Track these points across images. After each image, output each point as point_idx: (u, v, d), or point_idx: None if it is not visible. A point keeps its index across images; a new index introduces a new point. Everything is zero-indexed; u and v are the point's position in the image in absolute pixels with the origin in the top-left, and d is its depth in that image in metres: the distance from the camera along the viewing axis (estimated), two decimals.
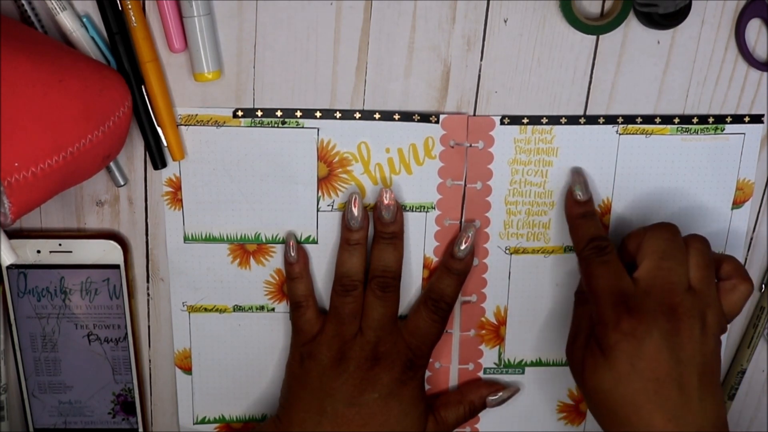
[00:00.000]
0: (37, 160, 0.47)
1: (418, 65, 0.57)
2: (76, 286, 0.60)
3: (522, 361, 0.65)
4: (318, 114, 0.58)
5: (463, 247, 0.60)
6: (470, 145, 0.59)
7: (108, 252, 0.60)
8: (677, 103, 0.60)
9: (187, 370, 0.64)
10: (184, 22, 0.54)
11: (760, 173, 0.62)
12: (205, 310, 0.62)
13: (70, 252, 0.59)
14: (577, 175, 0.59)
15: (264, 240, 0.61)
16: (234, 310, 0.62)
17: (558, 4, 0.57)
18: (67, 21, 0.53)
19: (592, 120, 0.60)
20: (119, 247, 0.59)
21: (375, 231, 0.60)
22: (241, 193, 0.59)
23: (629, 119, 0.60)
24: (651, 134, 0.60)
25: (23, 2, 0.53)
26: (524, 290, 0.63)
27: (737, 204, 0.63)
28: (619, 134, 0.60)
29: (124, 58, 0.54)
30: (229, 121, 0.58)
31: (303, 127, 0.58)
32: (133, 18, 0.54)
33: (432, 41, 0.57)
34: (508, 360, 0.65)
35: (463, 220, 0.61)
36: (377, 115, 0.58)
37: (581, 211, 0.59)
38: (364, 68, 0.57)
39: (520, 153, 0.60)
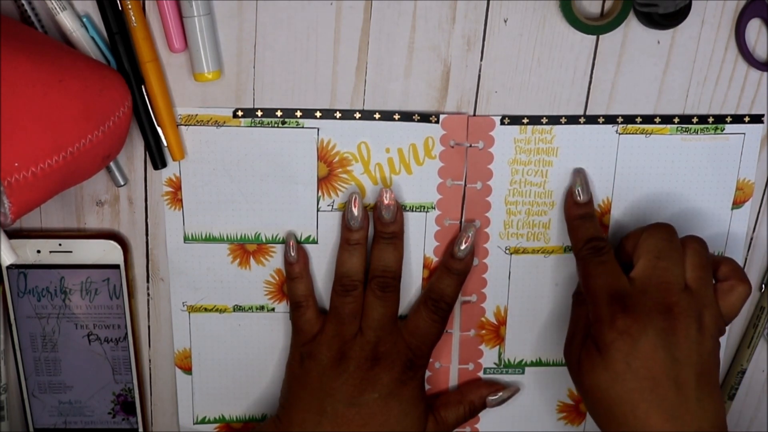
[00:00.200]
0: (37, 160, 0.47)
1: (418, 65, 0.57)
2: (76, 286, 0.60)
3: (522, 361, 0.65)
4: (318, 114, 0.58)
5: (463, 247, 0.60)
6: (470, 145, 0.59)
7: (108, 252, 0.60)
8: (677, 103, 0.60)
9: (187, 370, 0.64)
10: (184, 22, 0.54)
11: (760, 173, 0.62)
12: (205, 310, 0.62)
13: (70, 252, 0.59)
14: (579, 176, 0.59)
15: (264, 240, 0.61)
16: (234, 310, 0.62)
17: (558, 4, 0.57)
18: (67, 21, 0.53)
19: (592, 120, 0.60)
20: (119, 247, 0.59)
21: (375, 231, 0.60)
22: (241, 193, 0.59)
23: (629, 119, 0.60)
24: (651, 134, 0.60)
25: (23, 2, 0.53)
26: (524, 290, 0.63)
27: (737, 204, 0.63)
28: (619, 134, 0.60)
29: (124, 58, 0.54)
30: (229, 121, 0.58)
31: (303, 127, 0.58)
32: (133, 18, 0.54)
33: (432, 41, 0.57)
34: (508, 360, 0.65)
35: (463, 220, 0.61)
36: (377, 115, 0.58)
37: (581, 213, 0.59)
38: (364, 68, 0.57)
39: (520, 153, 0.60)
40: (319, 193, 0.60)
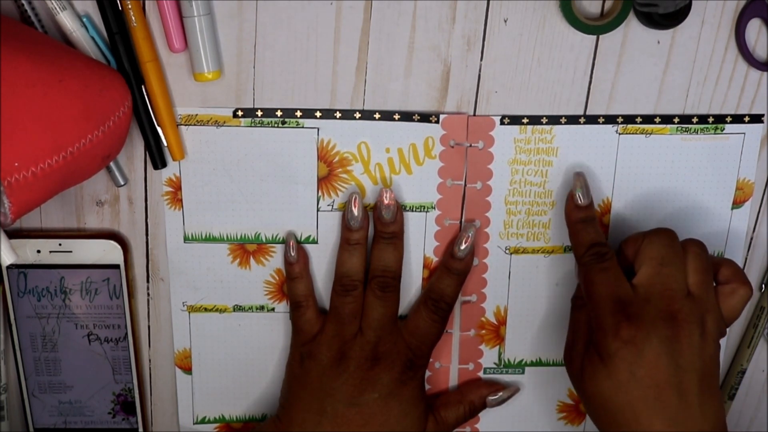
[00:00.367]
0: (37, 160, 0.47)
1: (418, 65, 0.57)
2: (76, 286, 0.60)
3: (522, 361, 0.65)
4: (318, 114, 0.58)
5: (463, 247, 0.60)
6: (470, 145, 0.59)
7: (108, 252, 0.60)
8: (677, 102, 0.60)
9: (187, 370, 0.64)
10: (184, 22, 0.54)
11: (760, 173, 0.62)
12: (205, 310, 0.62)
13: (70, 252, 0.59)
14: (579, 179, 0.59)
15: (264, 240, 0.61)
16: (234, 310, 0.62)
17: (558, 4, 0.57)
18: (67, 21, 0.53)
19: (592, 120, 0.60)
20: (119, 247, 0.59)
21: (375, 231, 0.60)
22: (241, 193, 0.59)
23: (629, 119, 0.60)
24: (651, 134, 0.60)
25: (23, 2, 0.53)
26: (524, 290, 0.63)
27: (737, 204, 0.63)
28: (619, 134, 0.60)
29: (124, 58, 0.54)
30: (229, 121, 0.58)
31: (303, 127, 0.58)
32: (133, 18, 0.54)
33: (432, 41, 0.57)
34: (508, 360, 0.65)
35: (463, 220, 0.61)
36: (377, 115, 0.58)
37: (581, 216, 0.58)
38: (364, 68, 0.57)
39: (520, 153, 0.60)
40: (319, 193, 0.60)
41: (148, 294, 0.62)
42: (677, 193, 0.62)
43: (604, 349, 0.53)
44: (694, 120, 0.60)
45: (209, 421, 0.65)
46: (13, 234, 0.59)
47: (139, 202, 0.60)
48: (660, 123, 0.60)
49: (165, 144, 0.57)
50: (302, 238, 0.61)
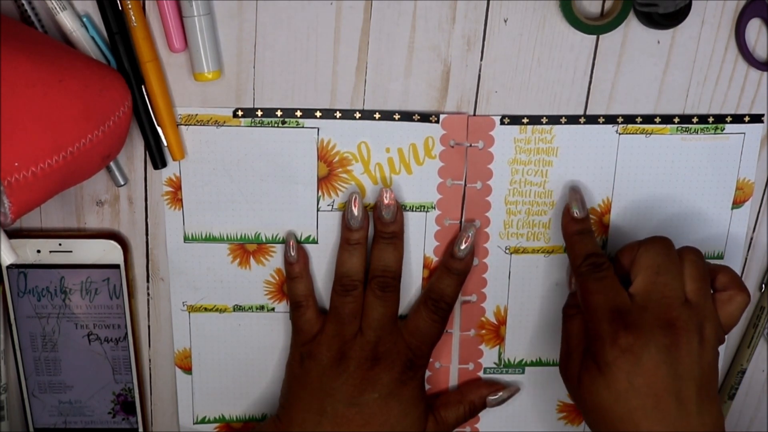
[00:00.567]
0: (37, 160, 0.47)
1: (418, 65, 0.57)
2: (76, 286, 0.60)
3: (522, 360, 0.65)
4: (318, 114, 0.58)
5: (463, 246, 0.60)
6: (470, 145, 0.59)
7: (108, 252, 0.60)
8: (677, 102, 0.60)
9: (187, 370, 0.64)
10: (184, 22, 0.54)
11: (760, 173, 0.62)
12: (205, 309, 0.62)
13: (70, 252, 0.59)
14: (574, 193, 0.59)
15: (264, 240, 0.61)
16: (234, 310, 0.62)
17: (558, 4, 0.57)
18: (67, 21, 0.53)
19: (592, 120, 0.60)
20: (119, 246, 0.59)
21: (375, 231, 0.60)
22: (241, 193, 0.59)
23: (629, 119, 0.60)
24: (651, 134, 0.60)
25: (23, 2, 0.53)
26: (524, 290, 0.63)
27: (737, 204, 0.63)
28: (619, 134, 0.60)
29: (124, 58, 0.54)
30: (229, 120, 0.58)
31: (303, 127, 0.58)
32: (133, 18, 0.54)
33: (432, 41, 0.57)
34: (508, 360, 0.65)
35: (463, 219, 0.61)
36: (377, 115, 0.58)
37: (578, 228, 0.59)
38: (364, 68, 0.57)
39: (520, 153, 0.60)
40: (319, 193, 0.60)
41: (148, 294, 0.62)
42: (677, 193, 0.62)
43: (602, 359, 0.53)
44: (694, 120, 0.60)
45: (209, 421, 0.65)
46: (13, 234, 0.59)
47: (139, 202, 0.60)
48: (660, 123, 0.60)
49: (165, 144, 0.57)
50: (302, 238, 0.61)
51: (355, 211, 0.59)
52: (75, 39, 0.54)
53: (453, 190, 0.60)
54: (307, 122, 0.58)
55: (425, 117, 0.58)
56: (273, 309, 0.63)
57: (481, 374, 0.65)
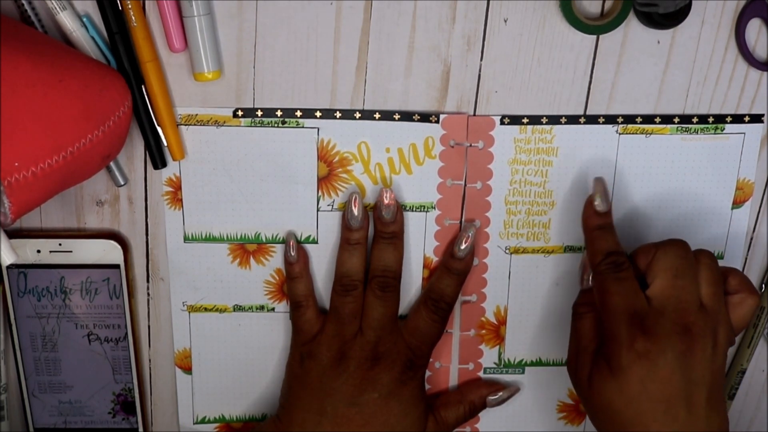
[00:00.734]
0: (37, 160, 0.47)
1: (418, 65, 0.57)
2: (76, 286, 0.60)
3: (522, 360, 0.65)
4: (318, 114, 0.58)
5: (463, 246, 0.60)
6: (470, 145, 0.59)
7: (108, 252, 0.60)
8: (677, 102, 0.60)
9: (187, 370, 0.64)
10: (184, 22, 0.54)
11: (760, 173, 0.62)
12: (205, 309, 0.62)
13: (70, 252, 0.59)
14: (599, 184, 0.58)
15: (264, 240, 0.61)
16: (234, 310, 0.62)
17: (558, 4, 0.57)
18: (67, 21, 0.53)
19: (592, 120, 0.60)
20: (119, 246, 0.59)
21: (375, 231, 0.60)
22: (241, 193, 0.59)
23: (629, 119, 0.60)
24: (651, 134, 0.60)
25: (23, 2, 0.53)
26: (524, 290, 0.63)
27: (737, 204, 0.63)
28: (619, 134, 0.60)
29: (124, 58, 0.54)
30: (229, 120, 0.58)
31: (303, 127, 0.58)
32: (133, 18, 0.54)
33: (432, 41, 0.57)
34: (508, 360, 0.65)
35: (463, 219, 0.61)
36: (377, 115, 0.58)
37: (600, 223, 0.57)
38: (364, 68, 0.57)
39: (520, 153, 0.60)
40: (319, 193, 0.60)
41: (148, 294, 0.62)
42: (677, 193, 0.62)
43: (617, 362, 0.53)
44: (694, 120, 0.60)
45: (209, 421, 0.65)
46: (13, 234, 0.59)
47: (139, 202, 0.60)
48: (660, 123, 0.60)
49: (165, 144, 0.57)
50: (302, 238, 0.61)
51: (355, 211, 0.59)
52: (75, 39, 0.54)
53: (453, 190, 0.60)
54: (307, 122, 0.58)
55: (425, 117, 0.58)
56: (273, 309, 0.63)
57: (481, 374, 0.65)
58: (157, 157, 0.57)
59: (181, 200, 0.59)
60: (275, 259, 0.61)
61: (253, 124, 0.58)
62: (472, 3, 0.56)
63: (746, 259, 0.65)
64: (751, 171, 0.62)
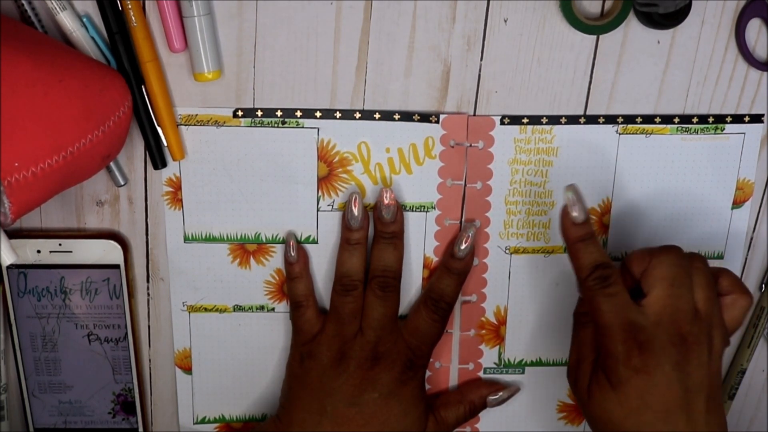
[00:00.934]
0: (37, 160, 0.47)
1: (418, 65, 0.57)
2: (76, 286, 0.60)
3: (522, 360, 0.65)
4: (318, 114, 0.58)
5: (463, 246, 0.60)
6: (470, 145, 0.59)
7: (108, 252, 0.60)
8: (677, 102, 0.60)
9: (187, 370, 0.64)
10: (184, 22, 0.54)
11: (760, 173, 0.62)
12: (205, 309, 0.62)
13: (70, 252, 0.59)
14: (572, 194, 0.55)
15: (264, 240, 0.61)
16: (234, 310, 0.62)
17: (558, 4, 0.57)
18: (67, 21, 0.53)
19: (592, 120, 0.60)
20: (119, 247, 0.59)
21: (375, 231, 0.60)
22: (241, 193, 0.59)
23: (629, 119, 0.60)
24: (651, 134, 0.60)
25: (23, 2, 0.53)
26: (524, 290, 0.63)
27: (737, 204, 0.63)
28: (619, 134, 0.60)
29: (124, 58, 0.54)
30: (229, 121, 0.58)
31: (303, 127, 0.58)
32: (133, 18, 0.54)
33: (432, 41, 0.57)
34: (508, 360, 0.65)
35: (463, 219, 0.61)
36: (377, 115, 0.58)
37: (580, 234, 0.55)
38: (364, 68, 0.57)
39: (520, 153, 0.60)
40: (319, 193, 0.60)
41: (148, 294, 0.62)
42: (677, 193, 0.62)
43: (615, 376, 0.53)
44: (694, 120, 0.60)
45: (209, 421, 0.65)
46: (13, 234, 0.59)
47: (139, 202, 0.60)
48: (660, 123, 0.60)
49: (165, 144, 0.57)
50: (302, 238, 0.61)
51: (355, 211, 0.59)
52: (75, 39, 0.54)
53: (453, 190, 0.60)
54: (307, 122, 0.58)
55: (425, 117, 0.58)
56: (273, 309, 0.63)
57: (481, 374, 0.65)
58: (157, 157, 0.57)
59: (181, 200, 0.59)
60: (275, 259, 0.61)
61: (253, 124, 0.58)
62: (472, 3, 0.56)
63: (746, 259, 0.65)
64: (751, 171, 0.62)
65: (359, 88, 0.58)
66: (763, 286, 0.66)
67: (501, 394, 0.64)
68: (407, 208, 0.60)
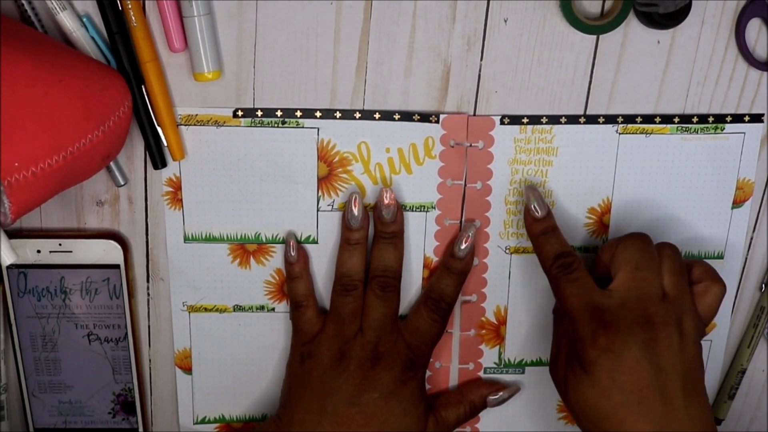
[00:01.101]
0: (37, 160, 0.47)
1: (418, 65, 0.57)
2: (76, 286, 0.60)
3: (522, 360, 0.65)
4: (318, 114, 0.58)
5: (463, 246, 0.60)
6: (470, 145, 0.59)
7: (108, 252, 0.60)
8: (677, 102, 0.60)
9: (187, 370, 0.64)
10: (184, 22, 0.54)
11: (760, 173, 0.62)
12: (205, 309, 0.62)
13: (70, 252, 0.59)
14: (531, 191, 0.59)
15: (264, 240, 0.61)
16: (234, 310, 0.62)
17: (558, 4, 0.57)
18: (67, 21, 0.53)
19: (592, 120, 0.60)
20: (119, 246, 0.59)
21: (375, 231, 0.60)
22: (241, 193, 0.59)
23: (629, 119, 0.60)
24: (651, 134, 0.60)
25: (23, 2, 0.53)
26: (524, 290, 0.63)
27: (737, 203, 0.63)
28: (619, 134, 0.60)
29: (124, 58, 0.54)
30: (229, 121, 0.58)
31: (303, 127, 0.58)
32: (133, 18, 0.54)
33: (432, 41, 0.57)
34: (508, 360, 0.65)
35: (463, 219, 0.61)
36: (377, 115, 0.58)
37: (541, 228, 0.58)
38: (364, 68, 0.57)
39: (520, 153, 0.60)
40: (319, 193, 0.60)
41: (148, 294, 0.62)
42: (677, 193, 0.62)
43: (585, 358, 0.53)
44: (694, 120, 0.60)
45: (209, 421, 0.65)
46: (13, 234, 0.59)
47: (139, 202, 0.60)
48: (660, 123, 0.60)
49: (165, 144, 0.57)
50: (302, 238, 0.61)
51: (355, 211, 0.59)
52: (75, 39, 0.54)
53: (453, 190, 0.60)
54: (307, 122, 0.58)
55: (425, 117, 0.58)
56: (273, 309, 0.63)
57: (481, 374, 0.65)
58: (157, 157, 0.57)
59: (181, 200, 0.59)
60: (275, 259, 0.61)
61: (253, 124, 0.58)
62: (472, 3, 0.56)
63: (746, 259, 0.65)
64: (751, 171, 0.62)
65: (359, 88, 0.58)
66: (763, 286, 0.66)
67: (501, 394, 0.64)
68: (407, 208, 0.60)
